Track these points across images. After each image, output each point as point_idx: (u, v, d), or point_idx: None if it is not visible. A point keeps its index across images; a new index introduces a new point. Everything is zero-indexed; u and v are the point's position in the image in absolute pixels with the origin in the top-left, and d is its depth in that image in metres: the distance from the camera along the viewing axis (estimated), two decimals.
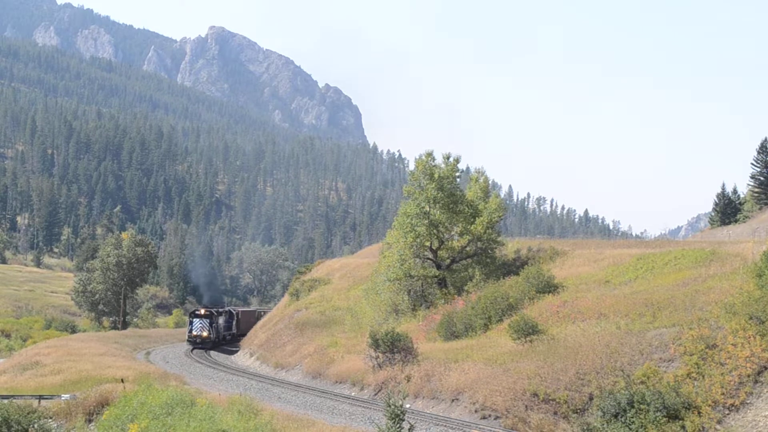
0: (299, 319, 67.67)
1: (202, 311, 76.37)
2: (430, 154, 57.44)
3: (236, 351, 75.45)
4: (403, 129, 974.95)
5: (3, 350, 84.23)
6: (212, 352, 72.49)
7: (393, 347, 42.61)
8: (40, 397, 40.05)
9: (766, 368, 26.92)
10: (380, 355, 43.09)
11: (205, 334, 73.73)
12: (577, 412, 29.92)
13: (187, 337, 75.58)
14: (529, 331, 37.28)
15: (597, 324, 35.84)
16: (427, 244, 56.70)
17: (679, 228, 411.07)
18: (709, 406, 26.64)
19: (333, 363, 50.13)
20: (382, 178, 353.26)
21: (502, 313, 44.55)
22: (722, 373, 27.37)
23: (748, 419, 25.88)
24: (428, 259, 57.69)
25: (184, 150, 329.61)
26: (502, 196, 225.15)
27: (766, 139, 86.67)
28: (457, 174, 57.50)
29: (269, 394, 41.56)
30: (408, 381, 39.36)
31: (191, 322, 75.06)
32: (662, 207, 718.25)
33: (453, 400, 35.63)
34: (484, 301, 46.66)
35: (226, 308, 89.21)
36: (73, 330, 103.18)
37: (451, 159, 57.42)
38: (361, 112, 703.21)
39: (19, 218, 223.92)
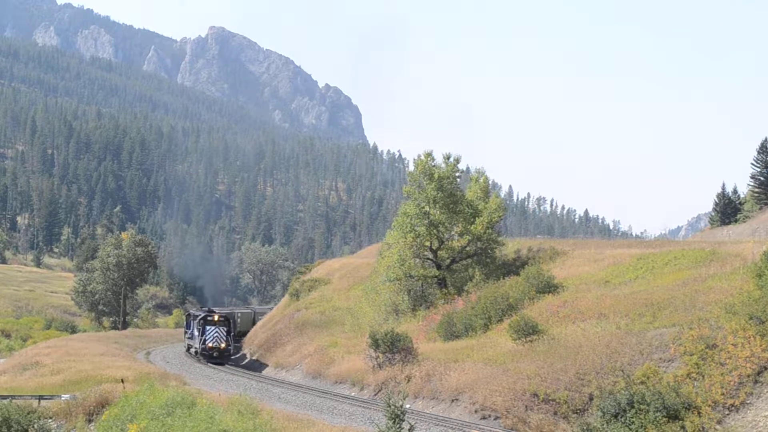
0: (299, 319, 67.62)
1: (216, 316, 61.72)
2: (429, 155, 57.39)
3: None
4: (403, 129, 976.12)
5: (3, 350, 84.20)
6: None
7: (393, 347, 42.62)
8: (40, 397, 40.04)
9: (766, 368, 26.92)
10: (380, 355, 43.10)
11: (223, 345, 60.47)
12: (577, 412, 29.92)
13: (198, 349, 61.34)
14: (529, 331, 37.27)
15: (597, 324, 35.83)
16: (427, 244, 56.67)
17: (679, 228, 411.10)
18: (709, 406, 26.63)
19: (333, 363, 50.13)
20: (382, 178, 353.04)
21: (502, 313, 44.52)
22: (722, 373, 27.36)
23: (748, 419, 25.88)
24: (428, 259, 57.66)
25: (184, 150, 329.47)
26: (502, 196, 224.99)
27: (766, 139, 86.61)
28: (457, 174, 57.43)
29: (269, 394, 41.56)
30: (408, 381, 39.36)
31: (204, 330, 60.35)
32: (662, 207, 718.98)
33: (453, 400, 35.64)
34: (484, 301, 46.64)
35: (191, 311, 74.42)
36: (73, 330, 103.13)
37: (451, 159, 57.36)
38: (361, 112, 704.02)
39: (19, 218, 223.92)
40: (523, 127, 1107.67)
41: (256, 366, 63.18)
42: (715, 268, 39.56)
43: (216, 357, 59.69)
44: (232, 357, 66.50)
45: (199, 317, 62.23)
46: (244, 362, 67.34)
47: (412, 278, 56.11)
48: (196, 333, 62.37)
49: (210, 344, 59.93)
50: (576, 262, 52.63)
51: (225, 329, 60.90)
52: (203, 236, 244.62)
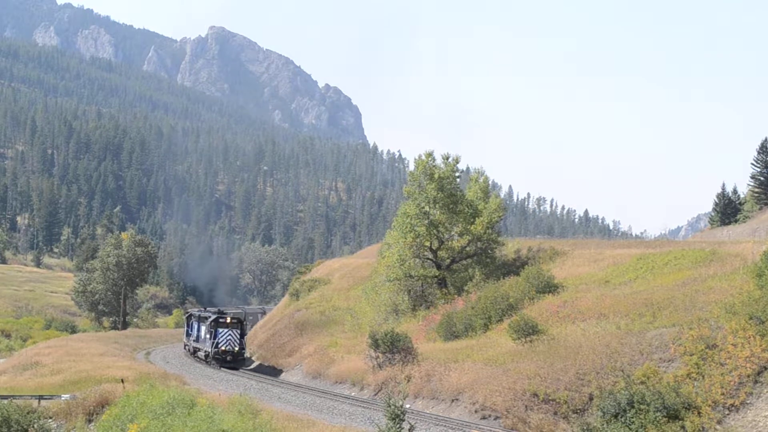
0: (299, 319, 67.63)
1: (229, 318, 58.45)
2: (429, 155, 57.43)
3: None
4: (403, 129, 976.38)
5: (3, 350, 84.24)
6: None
7: (393, 347, 42.64)
8: (40, 397, 40.06)
9: (766, 368, 26.91)
10: (380, 355, 43.12)
11: (237, 348, 57.09)
12: (577, 412, 29.92)
13: (209, 353, 57.60)
14: (529, 331, 37.28)
15: (597, 324, 35.84)
16: (427, 244, 56.69)
17: (679, 228, 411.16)
18: (709, 406, 26.63)
19: (333, 363, 50.15)
20: (382, 178, 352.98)
21: (502, 313, 44.55)
22: (722, 373, 27.35)
23: (748, 419, 25.87)
24: (428, 259, 57.68)
25: (184, 150, 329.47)
26: (502, 196, 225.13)
27: (766, 139, 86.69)
28: (457, 174, 57.46)
29: (269, 394, 41.56)
30: (408, 381, 39.37)
31: (216, 333, 56.73)
32: (662, 207, 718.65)
33: (453, 400, 35.65)
34: (484, 301, 46.66)
35: None
36: (73, 330, 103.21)
37: (450, 159, 57.40)
38: (361, 112, 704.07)
39: (19, 218, 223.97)
40: (523, 127, 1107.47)
41: (268, 370, 59.52)
42: (715, 268, 39.58)
43: (229, 361, 56.23)
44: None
45: (210, 319, 58.43)
46: (251, 366, 64.25)
47: (412, 278, 56.14)
48: (205, 335, 59.32)
49: (223, 348, 56.51)
50: (576, 262, 52.66)
51: (238, 332, 57.50)
52: (203, 236, 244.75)
